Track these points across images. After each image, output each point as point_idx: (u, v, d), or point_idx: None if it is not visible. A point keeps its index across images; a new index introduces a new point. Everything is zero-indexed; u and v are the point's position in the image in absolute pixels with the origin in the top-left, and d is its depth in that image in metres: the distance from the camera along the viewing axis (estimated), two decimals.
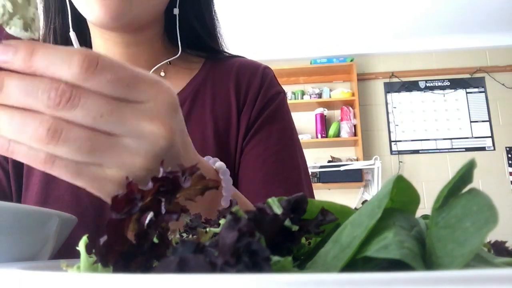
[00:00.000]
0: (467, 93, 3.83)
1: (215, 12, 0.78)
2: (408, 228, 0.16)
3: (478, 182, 3.47)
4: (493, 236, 0.22)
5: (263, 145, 0.67)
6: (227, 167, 0.53)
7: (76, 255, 0.20)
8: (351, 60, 3.87)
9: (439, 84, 3.87)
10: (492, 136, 3.74)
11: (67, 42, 0.72)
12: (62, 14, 0.71)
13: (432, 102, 3.84)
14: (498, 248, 0.28)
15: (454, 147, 3.75)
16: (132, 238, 0.18)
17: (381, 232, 0.15)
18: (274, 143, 0.67)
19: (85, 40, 0.72)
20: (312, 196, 0.71)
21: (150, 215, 0.18)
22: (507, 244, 0.29)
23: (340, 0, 3.25)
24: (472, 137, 3.75)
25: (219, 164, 0.45)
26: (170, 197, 0.19)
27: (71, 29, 0.67)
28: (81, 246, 0.20)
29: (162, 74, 0.72)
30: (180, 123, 0.35)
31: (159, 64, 0.71)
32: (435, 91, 3.86)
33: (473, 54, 3.86)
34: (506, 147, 3.70)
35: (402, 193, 0.19)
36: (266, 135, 0.68)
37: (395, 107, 3.85)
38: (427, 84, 3.88)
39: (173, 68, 0.74)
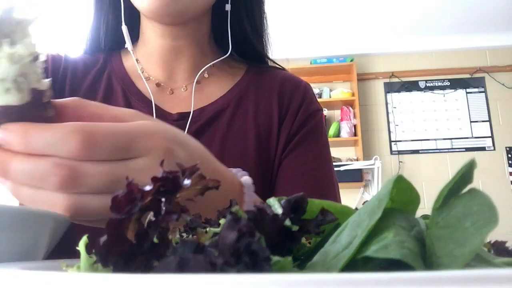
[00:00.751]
0: (467, 93, 3.83)
1: (265, 13, 0.80)
2: (408, 228, 0.16)
3: (478, 182, 3.47)
4: (493, 236, 0.22)
5: (301, 160, 0.69)
6: (265, 174, 0.57)
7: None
8: (351, 60, 3.87)
9: (439, 84, 3.87)
10: (492, 136, 3.74)
11: (117, 35, 0.74)
12: (115, 7, 0.73)
13: (432, 102, 3.84)
14: (498, 248, 0.28)
15: (454, 147, 3.75)
16: (132, 238, 0.18)
17: (381, 232, 0.15)
18: (312, 158, 0.69)
19: (135, 33, 0.75)
20: None
21: (150, 215, 0.18)
22: (507, 244, 0.29)
23: (340, 0, 3.25)
24: (472, 137, 3.75)
25: (246, 178, 0.47)
26: (170, 197, 0.19)
27: (123, 23, 0.69)
28: (81, 246, 0.20)
29: (206, 75, 0.74)
30: (185, 158, 0.36)
31: (206, 66, 0.73)
32: (435, 91, 3.86)
33: (473, 54, 3.86)
34: (506, 147, 3.70)
35: (402, 193, 0.19)
36: (305, 150, 0.70)
37: (395, 107, 3.85)
38: (427, 84, 3.88)
39: (216, 70, 0.76)
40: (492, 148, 3.71)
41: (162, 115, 0.69)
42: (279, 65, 0.82)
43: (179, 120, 0.69)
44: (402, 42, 3.87)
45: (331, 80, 3.99)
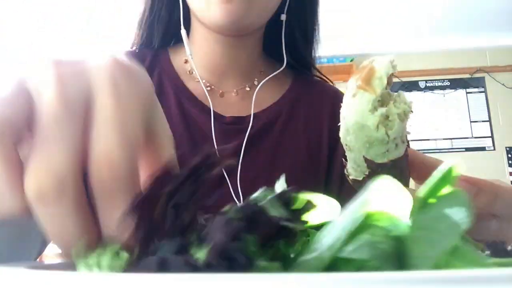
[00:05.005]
0: (467, 93, 3.83)
1: (318, 23, 0.80)
2: (389, 229, 0.17)
3: None
4: None
5: None
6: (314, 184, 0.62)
7: None
8: (351, 60, 3.87)
9: (439, 84, 3.87)
10: (492, 136, 3.73)
11: (167, 32, 0.72)
12: (169, 3, 0.71)
13: (432, 102, 3.84)
14: (496, 249, 0.28)
15: (454, 147, 3.75)
16: (159, 217, 0.18)
17: (361, 233, 0.15)
18: None
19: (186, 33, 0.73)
20: None
21: (181, 195, 0.19)
22: (506, 245, 0.29)
23: (340, 0, 3.25)
24: (472, 137, 3.75)
25: None
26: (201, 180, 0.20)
27: (182, 26, 0.67)
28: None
29: (255, 82, 0.74)
30: None
31: (266, 78, 0.71)
32: (435, 91, 3.86)
33: (473, 54, 3.85)
34: (506, 147, 3.70)
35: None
36: None
37: None
38: (427, 84, 3.88)
39: (265, 77, 0.74)
40: (492, 148, 3.71)
41: (215, 118, 0.68)
42: (325, 76, 0.84)
43: (232, 124, 0.69)
44: (402, 42, 3.87)
45: (331, 80, 3.98)
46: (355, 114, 0.31)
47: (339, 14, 3.44)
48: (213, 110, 0.69)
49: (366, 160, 0.33)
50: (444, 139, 3.76)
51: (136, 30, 0.75)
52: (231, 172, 0.66)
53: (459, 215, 0.15)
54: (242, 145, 0.67)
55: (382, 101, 0.33)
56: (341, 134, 0.34)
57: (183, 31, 0.67)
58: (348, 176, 0.36)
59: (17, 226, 0.32)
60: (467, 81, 3.84)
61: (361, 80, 0.32)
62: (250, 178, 0.65)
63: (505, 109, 3.76)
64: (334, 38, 3.82)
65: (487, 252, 0.28)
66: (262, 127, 0.70)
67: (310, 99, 0.76)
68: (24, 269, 0.19)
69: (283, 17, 0.71)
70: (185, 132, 0.67)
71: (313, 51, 0.81)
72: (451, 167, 0.18)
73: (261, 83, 0.71)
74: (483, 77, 3.83)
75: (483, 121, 3.77)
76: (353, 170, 0.34)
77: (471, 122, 3.77)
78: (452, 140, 3.76)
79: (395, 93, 0.34)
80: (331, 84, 0.84)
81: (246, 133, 0.67)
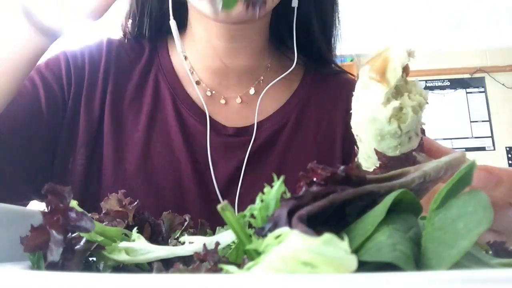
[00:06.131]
0: (467, 93, 3.83)
1: (338, 10, 0.69)
2: (404, 230, 0.17)
3: None
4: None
5: None
6: None
7: None
8: (351, 60, 3.87)
9: (439, 84, 3.87)
10: (492, 136, 3.73)
11: (161, 21, 0.64)
12: None
13: (432, 102, 3.84)
14: (497, 249, 0.28)
15: (454, 147, 3.74)
16: None
17: (375, 235, 0.15)
18: None
19: (182, 24, 0.64)
20: None
21: None
22: (506, 245, 0.29)
23: (340, 0, 3.24)
24: (472, 137, 3.75)
25: None
26: None
27: (171, 17, 0.58)
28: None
29: (261, 82, 0.66)
30: None
31: (269, 85, 0.62)
32: (435, 91, 3.85)
33: (473, 54, 3.85)
34: (506, 147, 3.69)
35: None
36: None
37: None
38: (427, 84, 3.87)
39: (273, 74, 0.65)
40: (492, 148, 3.71)
41: (216, 128, 0.61)
42: (341, 68, 0.73)
43: (234, 135, 0.62)
44: (402, 42, 3.86)
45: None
46: (366, 106, 0.30)
47: (339, 14, 3.43)
48: (214, 119, 0.62)
49: (377, 152, 0.31)
50: (444, 139, 3.76)
51: (124, 22, 0.68)
52: (229, 192, 0.59)
53: (477, 215, 0.15)
54: (243, 162, 0.60)
55: (397, 91, 0.31)
56: (352, 123, 0.32)
57: (172, 22, 0.57)
58: None
59: (16, 226, 0.31)
60: (467, 81, 3.84)
61: (374, 71, 0.30)
62: (250, 198, 0.61)
63: (505, 109, 3.75)
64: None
65: (490, 253, 0.28)
66: (266, 140, 0.63)
67: (322, 96, 0.68)
68: (23, 269, 0.19)
69: (295, 2, 0.62)
70: (184, 146, 0.60)
71: (332, 45, 0.71)
72: (470, 168, 0.17)
73: (266, 89, 0.63)
74: (483, 77, 3.83)
75: (483, 121, 3.77)
76: (364, 160, 0.33)
77: (471, 122, 3.77)
78: (452, 140, 3.75)
79: (411, 81, 0.32)
80: (351, 76, 0.74)
81: (248, 147, 0.60)
